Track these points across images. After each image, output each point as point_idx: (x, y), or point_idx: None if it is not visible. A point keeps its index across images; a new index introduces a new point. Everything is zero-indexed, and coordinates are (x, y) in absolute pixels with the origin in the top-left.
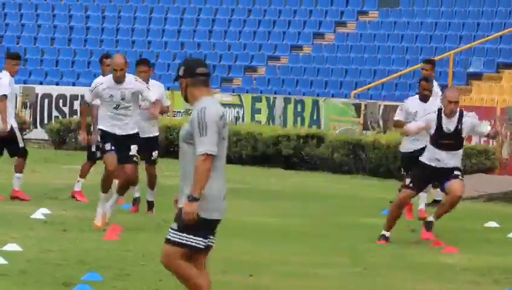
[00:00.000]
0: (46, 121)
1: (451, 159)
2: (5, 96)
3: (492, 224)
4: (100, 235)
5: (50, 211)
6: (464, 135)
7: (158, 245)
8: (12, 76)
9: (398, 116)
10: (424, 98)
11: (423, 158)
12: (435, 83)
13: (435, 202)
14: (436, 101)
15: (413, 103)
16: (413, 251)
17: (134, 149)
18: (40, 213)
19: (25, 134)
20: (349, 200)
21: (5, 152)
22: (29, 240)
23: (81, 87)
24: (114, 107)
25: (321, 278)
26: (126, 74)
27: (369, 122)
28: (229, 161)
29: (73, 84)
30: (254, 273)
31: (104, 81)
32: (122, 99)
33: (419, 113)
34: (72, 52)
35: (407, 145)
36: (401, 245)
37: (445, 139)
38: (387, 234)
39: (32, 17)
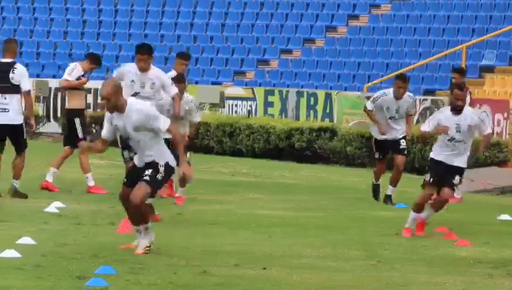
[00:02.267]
0: (59, 115)
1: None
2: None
3: (506, 217)
4: (114, 228)
5: (64, 204)
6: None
7: (172, 238)
8: None
9: (426, 126)
10: (456, 109)
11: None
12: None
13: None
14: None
15: (445, 115)
16: (426, 244)
17: None
18: (54, 207)
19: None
20: (362, 193)
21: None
22: (44, 233)
23: (94, 80)
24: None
25: (335, 271)
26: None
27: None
28: (242, 154)
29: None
30: (267, 266)
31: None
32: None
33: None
34: (85, 46)
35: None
36: (415, 238)
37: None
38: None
39: (45, 11)
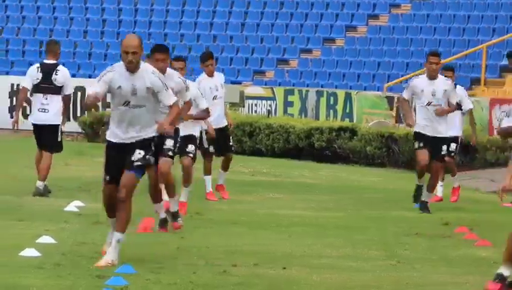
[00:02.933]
0: (79, 114)
1: None
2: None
3: None
4: (134, 228)
5: (83, 203)
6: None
7: (192, 238)
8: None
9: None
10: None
11: None
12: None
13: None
14: None
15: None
16: (446, 244)
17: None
18: (73, 206)
19: None
20: (382, 193)
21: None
22: (63, 232)
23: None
24: None
25: (355, 271)
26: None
27: (401, 115)
28: (262, 153)
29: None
30: (287, 266)
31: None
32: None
33: None
34: (104, 45)
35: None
36: (435, 238)
37: None
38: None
39: (65, 10)
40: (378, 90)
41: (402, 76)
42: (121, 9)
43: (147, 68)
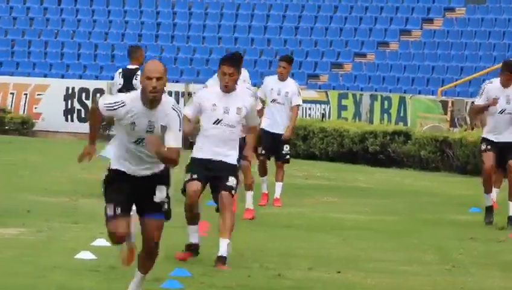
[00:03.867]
0: None
1: None
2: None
3: None
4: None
5: None
6: None
7: (246, 241)
8: None
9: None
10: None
11: None
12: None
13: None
14: None
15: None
16: (501, 249)
17: None
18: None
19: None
20: (436, 197)
21: None
22: None
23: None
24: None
25: (409, 275)
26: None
27: (456, 120)
28: (315, 157)
29: None
30: (342, 270)
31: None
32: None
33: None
34: (159, 48)
35: None
36: (490, 243)
37: None
38: None
39: (119, 14)
40: (432, 94)
41: (456, 80)
42: (175, 13)
43: (167, 100)
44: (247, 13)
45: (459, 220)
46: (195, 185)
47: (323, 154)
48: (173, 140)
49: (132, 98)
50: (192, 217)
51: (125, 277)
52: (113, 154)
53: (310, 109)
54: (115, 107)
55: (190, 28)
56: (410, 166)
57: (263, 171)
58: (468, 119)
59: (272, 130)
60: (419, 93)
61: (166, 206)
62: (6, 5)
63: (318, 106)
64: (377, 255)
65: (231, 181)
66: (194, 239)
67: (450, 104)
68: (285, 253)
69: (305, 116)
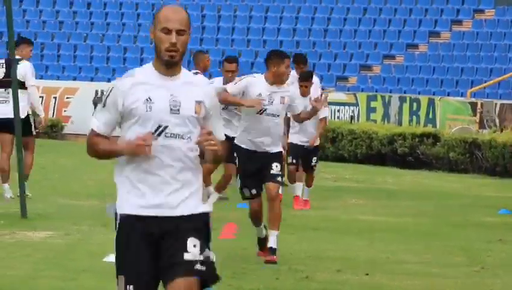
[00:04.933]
0: None
1: None
2: None
3: None
4: (216, 233)
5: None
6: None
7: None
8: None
9: None
10: None
11: None
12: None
13: None
14: None
15: None
16: None
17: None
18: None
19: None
20: (465, 199)
21: None
22: None
23: None
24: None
25: (437, 277)
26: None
27: (485, 121)
28: (344, 159)
29: None
30: (370, 272)
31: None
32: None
33: None
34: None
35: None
36: None
37: None
38: None
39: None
40: (461, 96)
41: (485, 82)
42: (204, 16)
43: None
44: (276, 15)
45: (487, 222)
46: (258, 203)
47: (352, 156)
48: (221, 130)
49: (142, 67)
50: (258, 221)
51: None
52: (120, 194)
53: (338, 111)
54: (115, 90)
55: (219, 31)
56: (439, 168)
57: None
58: (497, 121)
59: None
60: (448, 95)
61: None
62: (36, 9)
63: (347, 108)
64: (405, 257)
65: (275, 169)
66: (262, 234)
67: (479, 106)
68: (313, 255)
69: (334, 119)
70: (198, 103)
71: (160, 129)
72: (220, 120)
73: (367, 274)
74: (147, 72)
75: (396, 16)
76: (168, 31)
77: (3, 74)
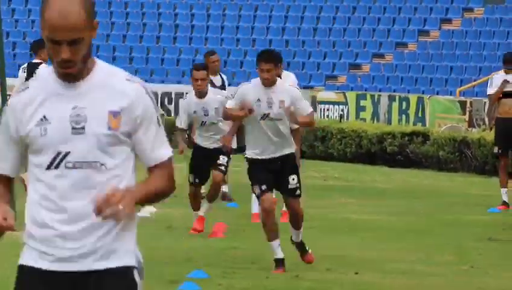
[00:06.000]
0: None
1: None
2: None
3: None
4: (206, 233)
5: (156, 208)
6: None
7: (264, 242)
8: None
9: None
10: None
11: None
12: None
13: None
14: None
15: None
16: None
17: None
18: (146, 211)
19: None
20: (454, 197)
21: None
22: (137, 238)
23: (186, 85)
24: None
25: (427, 275)
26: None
27: (474, 120)
28: (333, 158)
29: (179, 82)
30: (360, 271)
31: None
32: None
33: None
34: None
35: None
36: (509, 243)
37: None
38: None
39: (137, 16)
40: (450, 95)
41: (475, 80)
42: (193, 15)
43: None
44: (265, 14)
45: (477, 221)
46: (270, 201)
47: (342, 155)
48: (162, 146)
49: (41, 72)
50: (273, 231)
51: (144, 279)
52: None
53: (328, 110)
54: (7, 112)
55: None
56: (428, 167)
57: None
58: (486, 119)
59: None
60: (438, 93)
61: None
62: (25, 8)
63: (336, 106)
64: (395, 255)
65: (292, 183)
66: (279, 254)
67: (468, 105)
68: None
69: (323, 118)
70: (114, 113)
71: (59, 158)
72: (158, 133)
73: (357, 273)
74: (44, 79)
75: (385, 15)
76: (56, 42)
77: (25, 79)
